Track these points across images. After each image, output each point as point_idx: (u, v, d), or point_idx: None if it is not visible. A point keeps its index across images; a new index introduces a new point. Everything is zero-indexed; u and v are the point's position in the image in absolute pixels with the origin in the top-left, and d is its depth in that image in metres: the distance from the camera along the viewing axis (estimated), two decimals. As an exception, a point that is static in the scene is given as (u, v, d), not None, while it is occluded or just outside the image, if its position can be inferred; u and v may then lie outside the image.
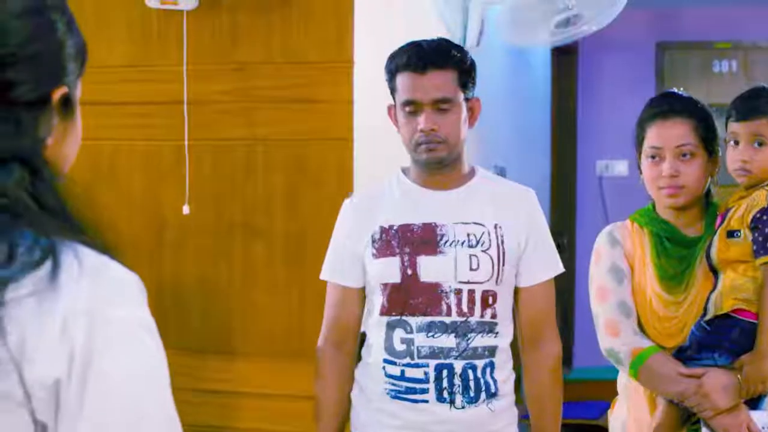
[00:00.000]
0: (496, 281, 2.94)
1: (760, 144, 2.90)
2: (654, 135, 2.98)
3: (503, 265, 2.94)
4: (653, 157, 2.98)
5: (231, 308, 4.02)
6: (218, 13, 4.00)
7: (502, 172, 5.62)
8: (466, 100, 2.96)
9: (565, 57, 7.99)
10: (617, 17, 5.15)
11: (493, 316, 2.95)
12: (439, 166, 2.96)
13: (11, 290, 1.20)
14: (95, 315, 1.23)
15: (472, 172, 3.06)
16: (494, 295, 2.94)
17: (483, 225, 2.95)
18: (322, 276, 3.10)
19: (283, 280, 3.96)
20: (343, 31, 3.85)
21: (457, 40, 4.24)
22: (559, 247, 3.23)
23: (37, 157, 1.31)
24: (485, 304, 2.93)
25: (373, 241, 2.97)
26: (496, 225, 2.96)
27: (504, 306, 2.97)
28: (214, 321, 4.04)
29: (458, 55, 2.95)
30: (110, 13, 4.12)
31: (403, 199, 3.01)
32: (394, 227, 2.96)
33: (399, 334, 2.93)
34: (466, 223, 2.95)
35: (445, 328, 2.90)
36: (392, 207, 3.00)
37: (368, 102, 3.91)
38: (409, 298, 2.92)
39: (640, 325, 2.99)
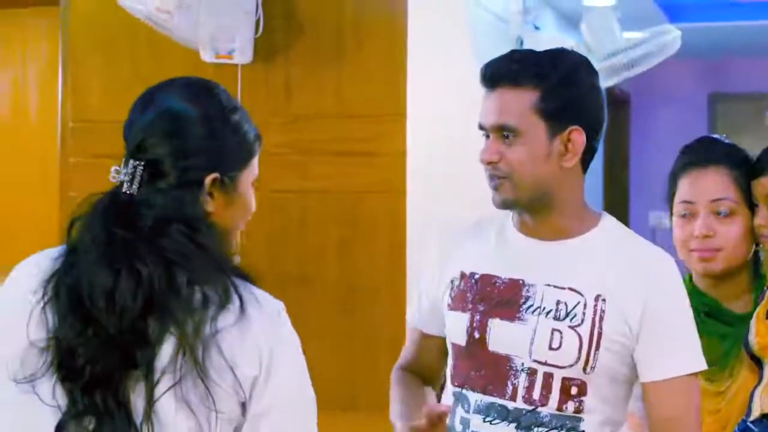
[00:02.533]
0: (584, 368, 2.23)
1: None
2: (686, 188, 2.54)
3: (596, 349, 2.22)
4: (684, 214, 2.53)
5: (283, 360, 4.02)
6: (273, 66, 4.03)
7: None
8: (555, 130, 2.25)
9: (617, 106, 7.98)
10: (669, 67, 5.14)
11: (578, 410, 2.24)
12: (516, 209, 2.33)
13: (220, 322, 1.78)
14: (274, 334, 1.86)
15: (592, 222, 2.34)
16: (581, 385, 2.24)
17: (580, 293, 2.25)
18: (408, 320, 2.60)
19: (334, 332, 3.96)
20: (396, 83, 3.87)
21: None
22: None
23: (197, 220, 1.85)
24: (566, 395, 2.24)
25: (452, 288, 2.38)
26: (599, 296, 2.24)
27: (600, 400, 2.26)
28: (267, 373, 4.03)
29: (545, 70, 2.25)
30: (166, 67, 4.15)
31: (496, 244, 2.37)
32: (476, 276, 2.34)
33: (459, 412, 2.34)
34: (560, 288, 2.26)
35: (506, 415, 2.27)
36: (481, 250, 2.38)
37: (421, 154, 3.92)
38: (471, 368, 2.32)
39: None
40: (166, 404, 1.73)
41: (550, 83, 2.22)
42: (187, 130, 1.86)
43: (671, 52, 4.85)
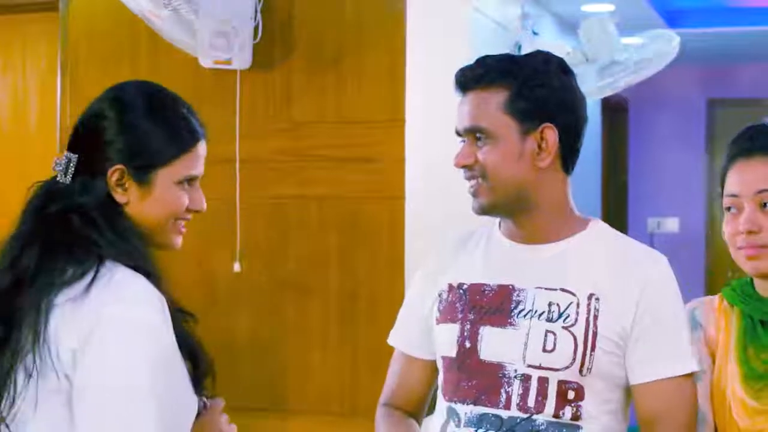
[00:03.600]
0: (580, 370, 2.15)
1: None
2: (731, 180, 2.28)
3: (591, 349, 2.15)
4: (731, 208, 2.27)
5: (283, 366, 4.02)
6: (271, 72, 4.03)
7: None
8: (526, 129, 2.21)
9: (615, 113, 7.98)
10: (668, 73, 5.14)
11: (576, 417, 2.16)
12: (495, 214, 2.30)
13: (62, 296, 1.86)
14: (108, 315, 1.85)
15: (580, 225, 2.30)
16: (578, 390, 2.16)
17: (573, 293, 2.19)
18: (389, 339, 2.51)
19: (335, 339, 3.96)
20: (396, 90, 3.87)
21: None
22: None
23: (103, 209, 1.95)
24: (562, 400, 2.15)
25: (440, 301, 2.31)
26: (592, 296, 2.18)
27: (598, 406, 2.18)
28: (267, 379, 4.03)
29: (513, 69, 2.22)
30: (164, 72, 4.16)
31: (484, 253, 2.33)
32: (464, 286, 2.28)
33: (450, 427, 2.24)
34: (551, 290, 2.20)
35: (499, 425, 2.17)
36: (468, 261, 2.33)
37: (421, 160, 3.92)
38: (461, 379, 2.23)
39: None
40: (21, 373, 1.86)
41: (518, 82, 2.20)
42: (100, 124, 1.99)
43: (670, 59, 4.85)
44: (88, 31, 4.30)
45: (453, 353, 2.24)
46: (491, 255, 2.31)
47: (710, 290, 7.07)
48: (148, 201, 1.98)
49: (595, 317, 2.17)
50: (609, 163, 8.01)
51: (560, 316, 2.18)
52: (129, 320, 1.85)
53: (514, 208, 2.25)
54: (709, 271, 7.93)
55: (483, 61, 2.26)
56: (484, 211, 2.25)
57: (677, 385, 2.19)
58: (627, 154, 8.24)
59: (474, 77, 2.24)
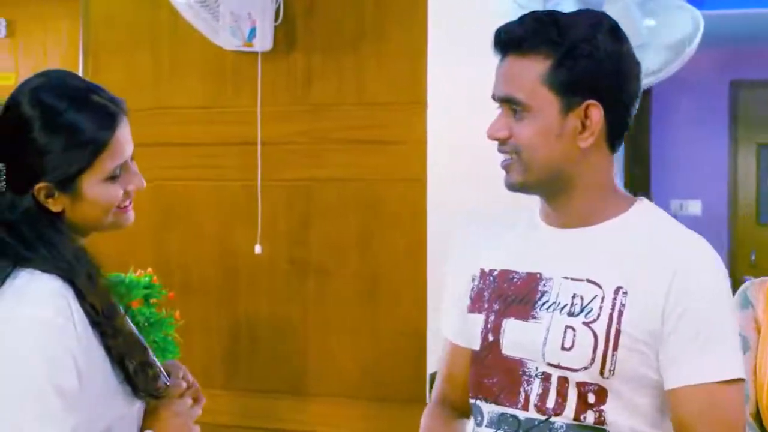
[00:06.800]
0: (601, 371, 1.91)
1: None
2: None
3: (614, 349, 1.91)
4: None
5: (303, 349, 4.02)
6: (292, 55, 4.02)
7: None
8: (568, 105, 1.96)
9: (637, 96, 7.94)
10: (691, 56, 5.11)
11: (599, 422, 1.92)
12: (528, 192, 2.05)
13: None
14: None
15: (622, 206, 2.06)
16: (599, 392, 1.93)
17: (599, 285, 1.95)
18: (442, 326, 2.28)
19: (355, 322, 3.95)
20: (417, 72, 3.85)
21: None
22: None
23: (31, 221, 1.94)
24: (583, 403, 1.93)
25: (472, 287, 2.11)
26: (619, 289, 1.93)
27: (624, 411, 1.94)
28: (287, 362, 4.03)
29: (557, 36, 1.95)
30: (185, 55, 4.16)
31: (519, 236, 2.10)
32: (495, 272, 2.08)
33: (474, 427, 2.08)
34: (577, 280, 1.97)
35: (517, 427, 1.99)
36: (503, 244, 2.11)
37: (442, 142, 3.90)
38: (484, 375, 2.04)
39: (757, 415, 2.25)
40: None
41: (561, 50, 1.93)
42: (16, 143, 1.93)
43: (696, 41, 4.81)
44: (110, 15, 4.30)
45: (477, 346, 2.05)
46: (526, 239, 2.08)
47: (733, 273, 7.04)
48: (82, 205, 1.96)
49: (620, 313, 1.91)
50: (631, 146, 7.97)
51: (582, 310, 1.94)
52: (23, 317, 1.85)
53: (549, 188, 2.01)
54: (732, 253, 7.90)
55: (523, 22, 1.98)
56: (514, 188, 2.01)
57: (715, 393, 1.89)
58: (649, 137, 8.19)
59: (513, 40, 1.97)
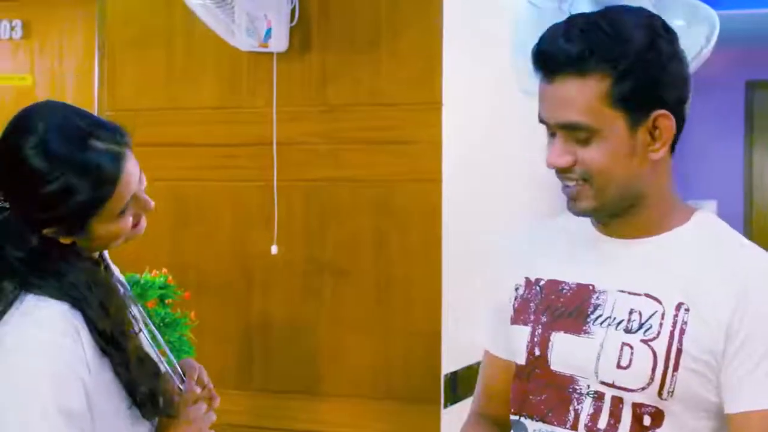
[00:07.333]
0: (660, 392, 1.81)
1: None
2: None
3: (674, 369, 1.81)
4: None
5: (318, 349, 4.02)
6: (308, 55, 4.02)
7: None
8: (636, 120, 1.84)
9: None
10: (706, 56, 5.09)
11: None
12: (601, 216, 1.95)
13: None
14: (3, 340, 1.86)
15: (683, 217, 1.95)
16: (655, 415, 1.82)
17: (658, 301, 1.84)
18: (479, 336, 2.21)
19: (371, 322, 3.95)
20: (432, 72, 3.85)
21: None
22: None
23: (36, 254, 1.93)
24: (638, 425, 1.83)
25: (516, 297, 2.03)
26: (681, 305, 1.82)
27: None
28: (301, 362, 4.03)
29: (614, 50, 1.80)
30: (200, 55, 4.16)
31: (569, 244, 2.01)
32: (541, 282, 1.99)
33: None
34: (635, 294, 1.86)
35: None
36: (551, 251, 2.03)
37: (457, 143, 3.90)
38: (530, 392, 1.95)
39: None
40: None
41: (622, 65, 1.80)
42: (19, 194, 1.94)
43: (713, 40, 4.80)
44: (125, 14, 4.31)
45: (522, 360, 1.97)
46: (577, 248, 1.98)
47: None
48: (93, 238, 1.97)
49: (682, 331, 1.80)
50: (646, 146, 7.96)
51: (641, 327, 1.83)
52: (30, 338, 1.86)
53: (622, 206, 1.90)
54: (747, 254, 7.91)
55: (570, 38, 1.83)
56: (585, 214, 1.92)
57: None
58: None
59: (566, 60, 1.82)
